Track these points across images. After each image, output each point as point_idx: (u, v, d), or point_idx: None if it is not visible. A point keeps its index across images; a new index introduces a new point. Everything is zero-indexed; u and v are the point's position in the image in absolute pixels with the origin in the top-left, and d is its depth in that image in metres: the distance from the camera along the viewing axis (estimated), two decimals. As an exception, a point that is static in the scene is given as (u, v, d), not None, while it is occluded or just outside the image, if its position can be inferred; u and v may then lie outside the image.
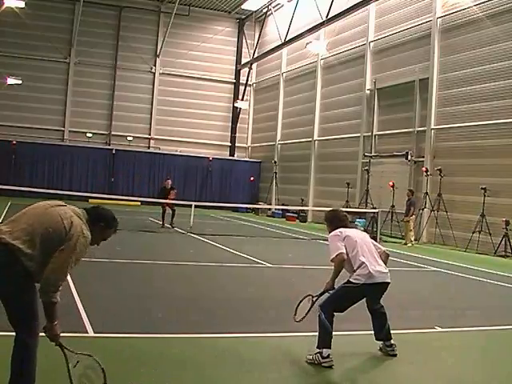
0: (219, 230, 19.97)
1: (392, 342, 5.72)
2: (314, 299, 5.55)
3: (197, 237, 16.77)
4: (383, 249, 5.83)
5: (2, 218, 16.03)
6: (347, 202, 24.37)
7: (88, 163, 31.85)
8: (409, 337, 6.60)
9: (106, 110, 33.96)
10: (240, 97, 35.24)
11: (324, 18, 25.61)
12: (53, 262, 3.60)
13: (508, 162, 17.59)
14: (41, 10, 31.66)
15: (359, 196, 24.43)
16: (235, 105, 35.24)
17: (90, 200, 21.94)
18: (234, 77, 36.39)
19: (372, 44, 25.04)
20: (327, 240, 5.70)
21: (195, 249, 14.33)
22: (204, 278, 10.13)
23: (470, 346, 6.80)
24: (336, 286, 5.46)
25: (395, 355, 5.67)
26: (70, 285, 7.51)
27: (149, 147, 34.71)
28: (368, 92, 24.82)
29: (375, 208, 21.29)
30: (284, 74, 33.16)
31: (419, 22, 21.95)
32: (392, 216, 21.41)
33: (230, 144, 36.41)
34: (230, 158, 35.80)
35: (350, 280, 5.44)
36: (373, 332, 5.77)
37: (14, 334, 3.69)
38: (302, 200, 28.73)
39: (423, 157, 21.19)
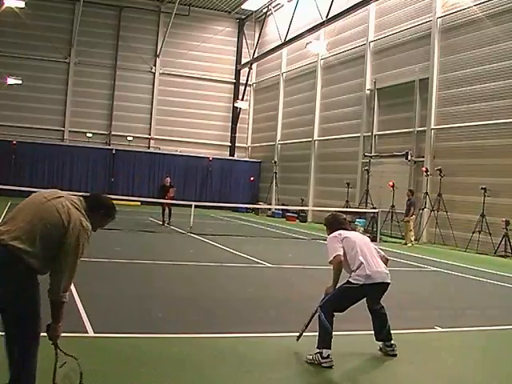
0: (219, 229, 19.97)
1: (392, 342, 5.72)
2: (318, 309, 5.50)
3: (197, 237, 16.77)
4: (383, 253, 5.84)
5: (2, 217, 16.03)
6: (347, 202, 24.38)
7: (88, 163, 31.82)
8: (409, 337, 6.59)
9: (105, 109, 33.95)
10: (240, 97, 35.23)
11: (324, 18, 25.61)
12: (61, 265, 3.63)
13: (508, 162, 17.59)
14: (41, 10, 31.65)
15: (359, 196, 24.42)
16: (235, 105, 35.22)
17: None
18: (233, 77, 36.38)
19: (372, 44, 25.03)
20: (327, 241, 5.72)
21: (195, 249, 14.33)
22: (204, 278, 10.13)
23: (470, 345, 6.80)
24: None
25: (395, 355, 5.67)
26: (69, 285, 7.49)
27: (149, 147, 34.70)
28: (368, 92, 24.82)
29: (375, 208, 21.28)
30: (284, 74, 33.15)
31: (419, 22, 21.95)
32: (392, 216, 21.40)
33: (230, 144, 36.40)
34: (230, 158, 35.79)
35: (350, 280, 5.45)
36: (373, 332, 5.78)
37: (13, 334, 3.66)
38: (302, 200, 28.73)
39: (423, 157, 21.19)
